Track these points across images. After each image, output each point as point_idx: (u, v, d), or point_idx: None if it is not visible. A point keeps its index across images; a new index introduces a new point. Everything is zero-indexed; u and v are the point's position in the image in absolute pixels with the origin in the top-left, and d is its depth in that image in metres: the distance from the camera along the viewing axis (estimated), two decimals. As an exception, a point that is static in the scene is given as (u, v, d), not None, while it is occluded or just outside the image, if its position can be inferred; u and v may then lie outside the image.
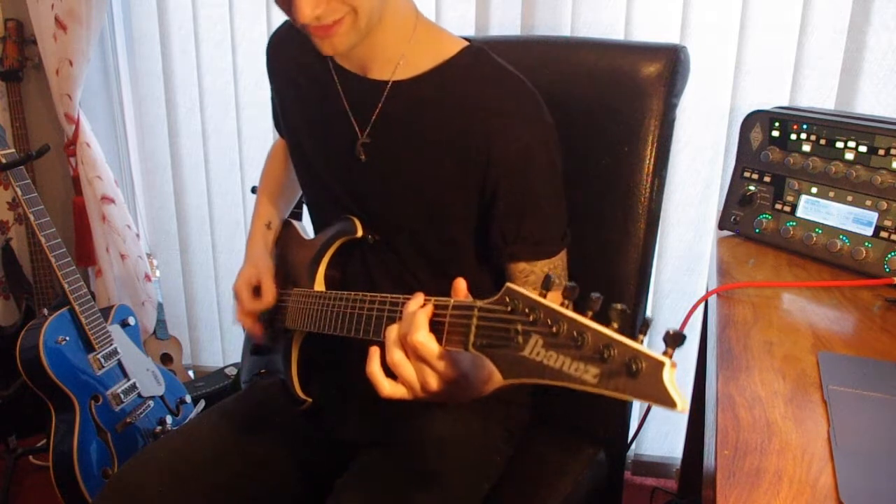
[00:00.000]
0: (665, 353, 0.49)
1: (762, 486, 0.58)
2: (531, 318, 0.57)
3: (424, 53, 0.93)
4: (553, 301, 0.57)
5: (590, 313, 0.54)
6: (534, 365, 0.56)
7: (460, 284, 0.70)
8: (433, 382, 0.69)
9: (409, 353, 0.70)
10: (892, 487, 0.58)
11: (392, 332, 0.72)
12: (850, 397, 0.70)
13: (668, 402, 0.48)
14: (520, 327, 0.58)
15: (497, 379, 0.65)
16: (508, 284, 0.61)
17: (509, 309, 0.60)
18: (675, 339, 0.48)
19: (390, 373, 0.72)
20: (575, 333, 0.53)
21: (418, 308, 0.70)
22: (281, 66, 1.10)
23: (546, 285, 0.59)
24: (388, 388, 0.72)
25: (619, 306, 0.52)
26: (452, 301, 0.68)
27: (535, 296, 0.58)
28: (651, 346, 0.50)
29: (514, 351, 0.58)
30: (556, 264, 0.95)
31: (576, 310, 0.55)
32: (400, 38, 0.92)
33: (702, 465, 0.73)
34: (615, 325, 0.52)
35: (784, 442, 0.63)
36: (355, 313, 0.86)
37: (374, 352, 0.73)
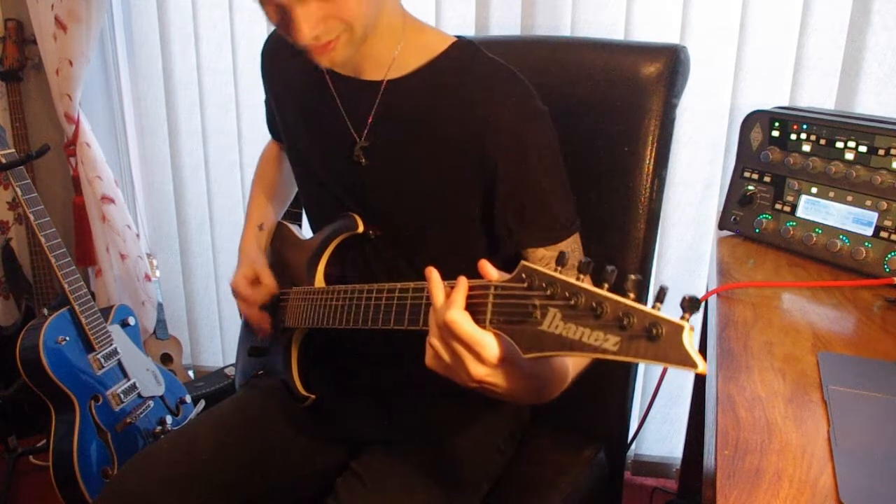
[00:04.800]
0: (682, 318, 0.50)
1: (762, 486, 0.58)
2: (549, 293, 0.58)
3: (415, 52, 0.94)
4: (568, 277, 0.57)
5: (606, 286, 0.55)
6: (553, 338, 0.57)
7: (486, 266, 0.68)
8: (474, 367, 0.66)
9: (446, 335, 0.66)
10: (892, 487, 0.58)
11: (430, 317, 0.70)
12: (850, 397, 0.70)
13: (690, 363, 0.49)
14: (537, 302, 0.59)
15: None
16: (523, 262, 0.62)
17: (526, 285, 0.60)
18: (691, 305, 0.50)
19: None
20: (594, 304, 0.54)
21: (451, 290, 0.68)
22: (276, 70, 1.10)
23: (560, 262, 0.60)
24: (429, 359, 0.69)
25: (633, 277, 0.53)
26: (467, 282, 0.68)
27: (550, 271, 0.59)
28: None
29: (532, 326, 0.59)
30: (573, 248, 0.94)
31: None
32: (391, 41, 0.93)
33: (702, 465, 0.73)
34: (632, 296, 0.53)
35: (784, 442, 0.63)
36: (371, 304, 0.86)
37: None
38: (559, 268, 0.59)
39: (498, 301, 0.64)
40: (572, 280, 0.57)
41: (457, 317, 0.65)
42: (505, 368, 0.66)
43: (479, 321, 0.65)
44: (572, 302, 0.56)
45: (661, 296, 0.53)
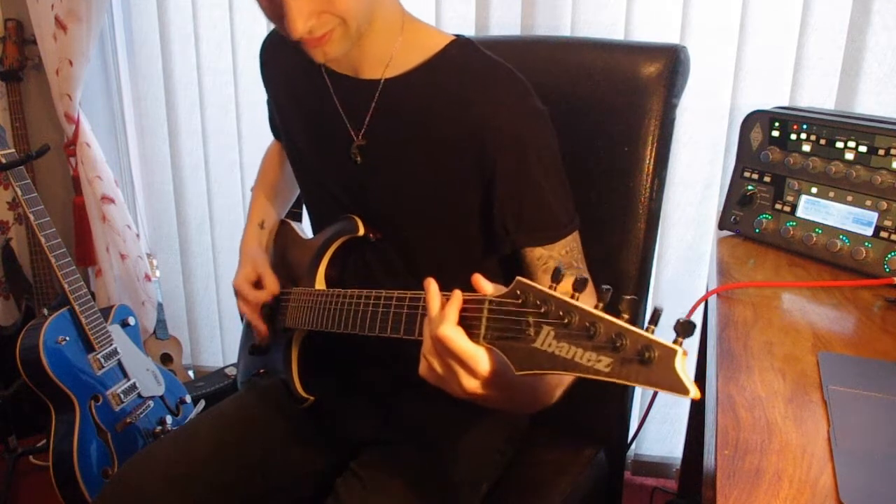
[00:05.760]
0: (675, 342, 0.50)
1: (762, 486, 0.58)
2: (543, 311, 0.58)
3: (413, 50, 0.94)
4: (563, 293, 0.57)
5: (601, 305, 0.54)
6: (546, 356, 0.57)
7: (480, 280, 0.68)
8: (467, 381, 0.66)
9: (439, 349, 0.67)
10: (892, 487, 0.58)
11: (424, 329, 0.70)
12: (850, 397, 0.70)
13: (681, 390, 0.49)
14: (531, 319, 0.59)
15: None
16: (519, 278, 0.61)
17: (520, 301, 0.60)
18: (685, 329, 0.50)
19: None
20: (587, 324, 0.54)
21: (447, 301, 0.68)
22: (275, 70, 1.10)
23: (556, 278, 0.59)
24: (423, 368, 0.70)
25: (628, 297, 0.53)
26: (463, 295, 0.68)
27: (545, 288, 0.58)
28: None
29: (526, 343, 0.59)
30: (571, 247, 0.94)
31: None
32: (389, 38, 0.93)
33: (702, 465, 0.73)
34: (626, 316, 0.53)
35: (784, 442, 0.63)
36: (368, 311, 0.86)
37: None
38: (554, 284, 0.59)
39: (492, 316, 0.64)
40: (567, 299, 0.56)
41: (449, 332, 0.65)
42: (496, 382, 0.66)
43: (472, 335, 0.65)
44: (566, 321, 0.55)
45: (655, 318, 0.52)
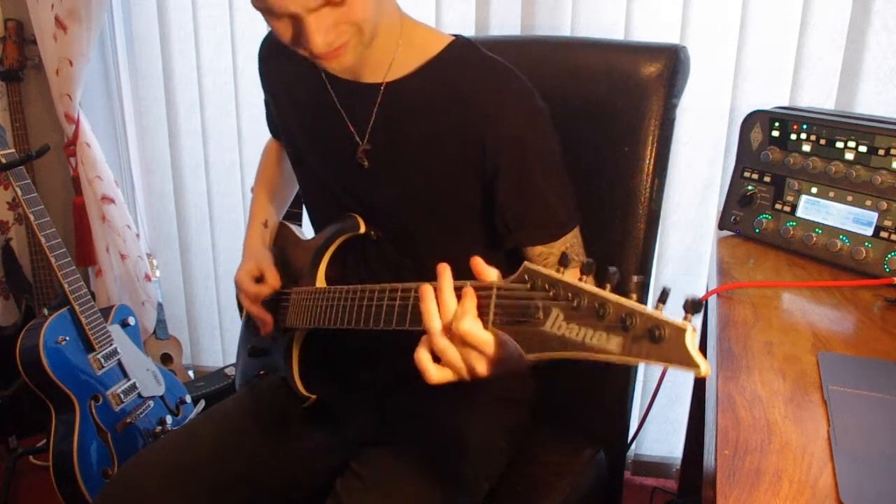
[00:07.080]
0: (684, 320, 0.50)
1: (762, 486, 0.58)
2: (551, 294, 0.58)
3: (413, 52, 0.94)
4: (571, 278, 0.58)
5: (608, 286, 0.55)
6: (556, 339, 0.58)
7: (480, 264, 0.69)
8: (480, 366, 0.69)
9: (456, 341, 0.69)
10: (892, 488, 0.58)
11: (435, 320, 0.71)
12: (850, 397, 0.70)
13: (692, 365, 0.49)
14: (540, 303, 0.59)
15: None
16: (526, 263, 0.62)
17: (529, 286, 0.61)
18: (694, 306, 0.50)
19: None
20: (596, 305, 0.54)
21: (464, 295, 0.69)
22: (274, 71, 1.10)
23: (563, 262, 0.60)
24: (436, 375, 0.71)
25: (636, 278, 0.53)
26: (470, 283, 0.69)
27: (553, 272, 0.59)
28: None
29: (535, 326, 0.59)
30: (571, 243, 0.95)
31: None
32: (390, 42, 0.93)
33: (702, 465, 0.73)
34: (634, 297, 0.53)
35: (784, 442, 0.63)
36: (373, 305, 0.86)
37: (425, 339, 0.72)
38: (561, 268, 0.59)
39: (501, 302, 0.65)
40: (575, 281, 0.57)
41: (469, 326, 0.67)
42: (504, 366, 0.69)
43: (482, 322, 0.67)
44: (575, 303, 0.56)
45: (663, 297, 0.53)
